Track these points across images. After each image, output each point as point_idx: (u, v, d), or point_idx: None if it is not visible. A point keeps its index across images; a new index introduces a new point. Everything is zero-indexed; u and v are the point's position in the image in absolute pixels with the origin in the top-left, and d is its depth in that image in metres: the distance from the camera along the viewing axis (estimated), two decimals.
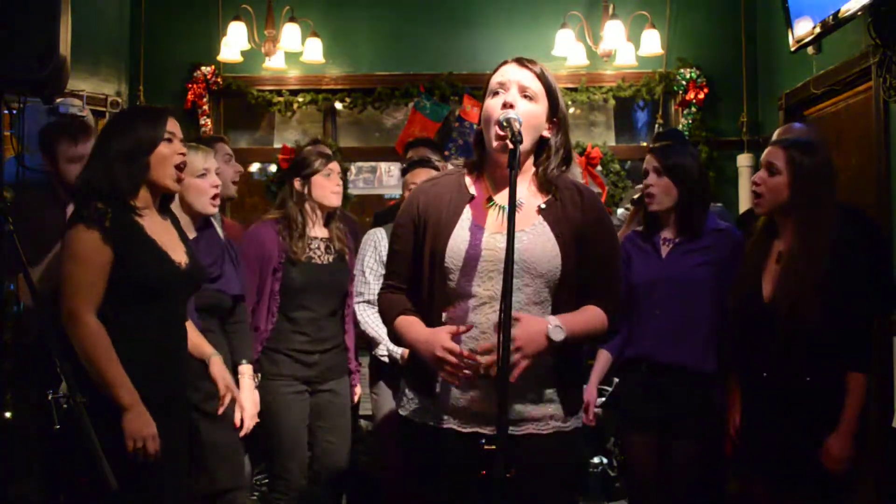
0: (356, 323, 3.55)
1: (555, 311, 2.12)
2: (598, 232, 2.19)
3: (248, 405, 3.04)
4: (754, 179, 2.78)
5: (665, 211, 3.05)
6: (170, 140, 2.48)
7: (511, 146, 2.01)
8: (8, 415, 2.24)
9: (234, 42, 5.16)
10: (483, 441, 2.06)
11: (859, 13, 3.49)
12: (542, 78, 2.16)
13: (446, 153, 5.09)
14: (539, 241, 2.12)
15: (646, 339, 3.03)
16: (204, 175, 2.99)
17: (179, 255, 2.52)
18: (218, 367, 2.84)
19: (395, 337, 2.23)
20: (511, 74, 2.15)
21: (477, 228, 2.15)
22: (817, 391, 2.63)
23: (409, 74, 5.38)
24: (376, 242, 3.58)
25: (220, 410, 2.84)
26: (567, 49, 5.12)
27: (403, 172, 3.85)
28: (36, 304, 2.36)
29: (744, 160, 5.07)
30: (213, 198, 3.02)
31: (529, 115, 2.12)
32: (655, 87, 5.27)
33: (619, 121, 5.60)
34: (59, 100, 3.14)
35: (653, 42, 5.09)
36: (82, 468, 2.19)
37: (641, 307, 3.04)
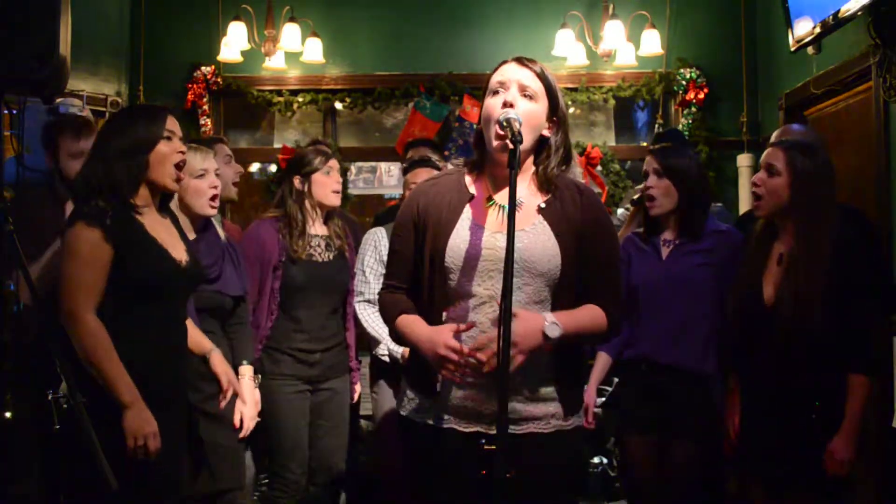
0: (356, 322, 3.55)
1: (554, 311, 2.11)
2: (598, 232, 2.19)
3: (248, 406, 3.04)
4: (754, 181, 2.78)
5: (666, 213, 3.05)
6: (169, 138, 2.47)
7: (511, 146, 2.01)
8: (8, 415, 2.24)
9: (234, 42, 5.16)
10: (483, 441, 2.06)
11: (859, 13, 3.48)
12: (541, 77, 2.16)
13: (446, 153, 5.09)
14: (539, 241, 2.12)
15: (645, 339, 3.03)
16: (202, 176, 2.98)
17: (180, 253, 2.52)
18: (219, 362, 2.84)
19: (397, 336, 2.23)
20: (511, 73, 2.15)
21: (477, 228, 2.15)
22: (817, 392, 2.63)
23: (409, 74, 5.38)
24: (376, 242, 3.58)
25: (223, 404, 2.85)
26: (567, 49, 5.12)
27: (404, 172, 3.85)
28: (35, 303, 2.36)
29: (744, 160, 5.07)
30: (212, 199, 3.00)
31: (529, 115, 2.12)
32: (655, 87, 5.27)
33: (619, 121, 5.61)
34: (59, 100, 3.14)
35: (653, 42, 5.09)
36: (82, 468, 2.19)
37: (641, 308, 3.04)
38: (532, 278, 2.11)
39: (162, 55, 5.37)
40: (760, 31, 5.21)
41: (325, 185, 3.42)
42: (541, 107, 2.15)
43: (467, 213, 2.18)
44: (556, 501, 2.19)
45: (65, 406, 2.21)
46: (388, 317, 2.23)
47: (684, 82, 5.21)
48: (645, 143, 5.38)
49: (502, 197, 2.16)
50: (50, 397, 2.25)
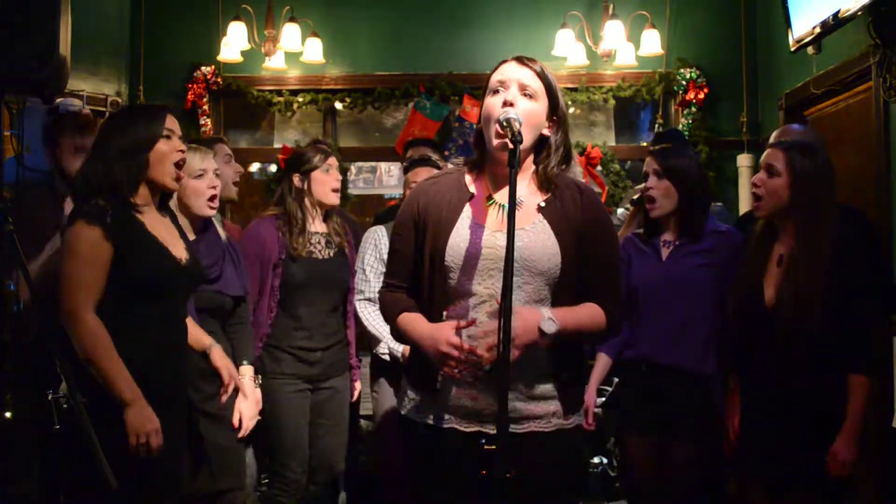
0: (357, 320, 3.55)
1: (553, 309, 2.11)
2: (598, 231, 2.19)
3: (248, 405, 3.04)
4: (754, 181, 2.78)
5: (666, 214, 3.05)
6: (168, 137, 2.48)
7: (511, 146, 2.01)
8: (8, 415, 2.24)
9: (234, 42, 5.16)
10: (483, 441, 2.06)
11: (859, 13, 3.48)
12: (541, 76, 2.16)
13: (446, 153, 5.09)
14: (539, 239, 2.12)
15: (645, 340, 3.03)
16: (201, 176, 2.97)
17: (180, 252, 2.52)
18: (219, 357, 2.85)
19: (398, 334, 2.23)
20: (511, 73, 2.15)
21: (477, 227, 2.15)
22: (818, 392, 2.63)
23: (409, 74, 5.38)
24: (377, 240, 3.59)
25: (224, 398, 2.86)
26: (567, 49, 5.12)
27: (405, 171, 3.86)
28: (35, 303, 2.36)
29: (744, 160, 5.07)
30: (211, 199, 2.99)
31: (529, 114, 2.12)
32: (655, 87, 5.27)
33: (619, 121, 5.61)
34: (59, 100, 3.14)
35: (653, 42, 5.09)
36: (82, 468, 2.19)
37: (641, 309, 3.04)
38: (532, 277, 2.11)
39: (162, 55, 5.37)
40: (760, 31, 5.21)
41: (325, 183, 3.42)
42: (541, 106, 2.15)
43: (467, 212, 2.18)
44: (557, 501, 2.19)
45: (65, 406, 2.21)
46: (389, 315, 2.24)
47: (684, 82, 5.21)
48: (645, 144, 5.38)
49: (502, 196, 2.16)
50: (50, 397, 2.24)
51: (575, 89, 5.27)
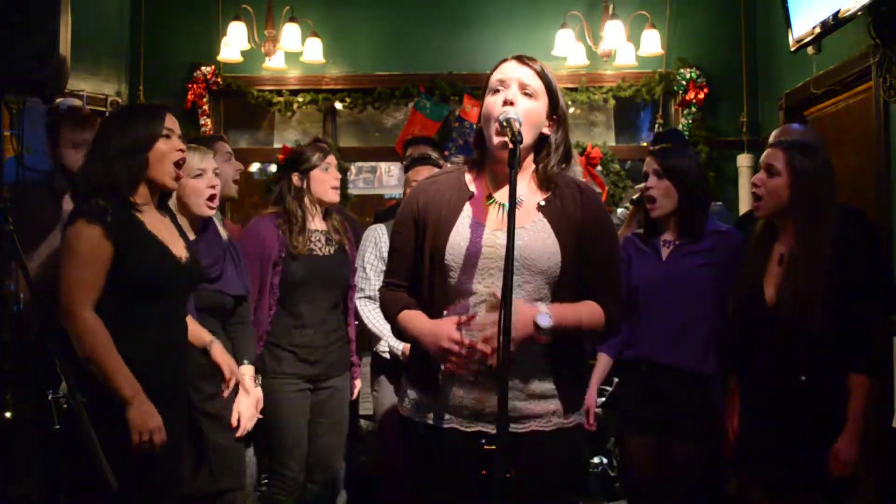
0: (357, 318, 3.55)
1: None
2: (598, 230, 2.19)
3: (248, 404, 3.04)
4: (754, 181, 2.78)
5: (666, 214, 3.05)
6: (168, 136, 2.48)
7: (511, 146, 2.01)
8: (8, 415, 2.24)
9: (234, 42, 5.16)
10: (483, 441, 2.06)
11: (859, 13, 3.48)
12: (541, 75, 2.16)
13: (446, 153, 5.09)
14: (539, 238, 2.12)
15: (645, 340, 3.03)
16: (200, 175, 2.96)
17: (180, 251, 2.52)
18: (219, 353, 2.85)
19: (399, 332, 2.23)
20: (511, 72, 2.15)
21: (477, 225, 2.15)
22: (818, 392, 2.63)
23: (409, 74, 5.38)
24: (377, 238, 3.59)
25: (226, 393, 2.86)
26: (567, 49, 5.13)
27: (405, 169, 3.86)
28: (35, 302, 2.36)
29: (744, 160, 5.07)
30: (210, 199, 2.98)
31: (529, 113, 2.12)
32: (655, 87, 5.27)
33: (619, 121, 5.61)
34: (58, 100, 3.14)
35: (653, 42, 5.10)
36: (82, 468, 2.19)
37: (641, 309, 3.04)
38: (532, 276, 2.11)
39: (162, 55, 5.37)
40: (760, 31, 5.21)
41: (324, 182, 3.42)
42: (541, 105, 2.15)
43: (467, 210, 2.18)
44: (557, 501, 2.19)
45: (65, 406, 2.21)
46: (390, 313, 2.24)
47: (684, 82, 5.22)
48: (645, 144, 5.39)
49: (502, 195, 2.16)
50: (50, 397, 2.25)
51: (575, 89, 5.27)
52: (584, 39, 5.20)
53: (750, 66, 5.24)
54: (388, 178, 5.68)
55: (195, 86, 5.32)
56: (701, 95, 5.20)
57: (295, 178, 3.41)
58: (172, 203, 2.70)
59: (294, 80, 5.42)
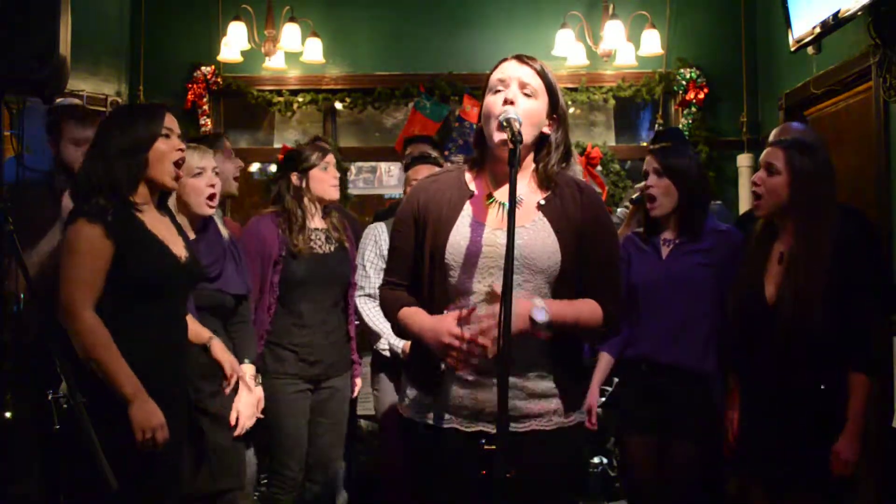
0: (357, 316, 3.55)
1: None
2: (598, 229, 2.19)
3: (248, 403, 3.03)
4: (754, 180, 2.78)
5: (666, 213, 3.05)
6: (167, 136, 2.48)
7: (511, 145, 2.01)
8: (8, 415, 2.24)
9: (234, 42, 5.16)
10: (483, 441, 2.06)
11: (859, 13, 3.49)
12: (541, 74, 2.16)
13: (446, 153, 5.09)
14: (539, 237, 2.12)
15: (645, 339, 3.03)
16: (200, 174, 2.96)
17: (180, 250, 2.52)
18: (220, 350, 2.85)
19: (400, 329, 2.23)
20: (511, 71, 2.15)
21: (477, 225, 2.15)
22: (818, 392, 2.63)
23: (409, 74, 5.38)
24: (377, 237, 3.59)
25: (227, 390, 2.86)
26: (567, 49, 5.13)
27: (405, 168, 3.86)
28: (35, 302, 2.36)
29: (744, 160, 5.08)
30: (210, 198, 2.98)
31: (529, 112, 2.12)
32: (655, 87, 5.27)
33: (619, 121, 5.61)
34: (58, 100, 3.14)
35: (653, 42, 5.10)
36: (82, 468, 2.19)
37: (641, 308, 3.04)
38: (532, 275, 2.11)
39: (162, 55, 5.37)
40: (760, 31, 5.21)
41: (323, 181, 3.42)
42: (541, 104, 2.15)
43: (467, 210, 2.18)
44: (557, 501, 2.19)
45: (65, 406, 2.21)
46: (390, 311, 2.23)
47: (684, 82, 5.22)
48: (645, 143, 5.39)
49: (502, 194, 2.16)
50: (50, 397, 2.25)
51: (575, 89, 5.28)
52: (584, 39, 5.20)
53: (750, 66, 5.25)
54: (388, 179, 5.68)
55: (195, 86, 5.33)
56: (701, 95, 5.20)
57: (294, 177, 3.41)
58: (172, 202, 2.69)
59: (294, 80, 5.42)
